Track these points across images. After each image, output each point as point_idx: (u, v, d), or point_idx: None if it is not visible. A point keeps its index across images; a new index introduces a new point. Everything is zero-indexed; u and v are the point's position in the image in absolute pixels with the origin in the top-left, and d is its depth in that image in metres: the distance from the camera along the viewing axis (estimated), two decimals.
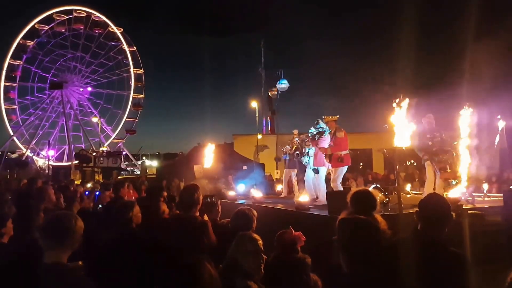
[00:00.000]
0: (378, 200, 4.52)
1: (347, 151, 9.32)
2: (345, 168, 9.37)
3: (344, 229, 2.74)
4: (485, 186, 9.48)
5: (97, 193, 7.89)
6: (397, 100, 6.20)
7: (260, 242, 3.62)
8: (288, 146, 12.56)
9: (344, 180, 15.65)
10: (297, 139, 11.55)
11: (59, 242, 2.86)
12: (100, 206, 7.63)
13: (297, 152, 11.41)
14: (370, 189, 6.44)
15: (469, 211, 6.97)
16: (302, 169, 11.55)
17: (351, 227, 2.74)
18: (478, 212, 7.02)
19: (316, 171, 9.86)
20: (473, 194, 8.37)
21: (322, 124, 9.86)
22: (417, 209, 3.30)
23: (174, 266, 3.40)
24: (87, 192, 7.65)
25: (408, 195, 9.46)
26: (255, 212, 4.58)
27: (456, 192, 7.75)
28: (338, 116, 9.65)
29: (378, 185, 8.41)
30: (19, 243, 4.01)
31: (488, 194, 9.40)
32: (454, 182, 8.56)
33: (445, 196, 7.18)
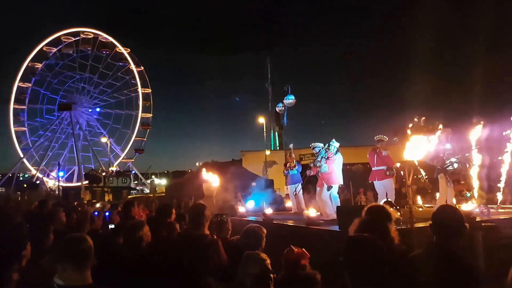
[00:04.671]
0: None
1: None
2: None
3: (347, 248, 2.68)
4: (499, 197, 9.30)
5: (107, 213, 7.86)
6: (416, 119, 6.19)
7: (268, 261, 3.53)
8: (289, 164, 12.68)
9: (355, 195, 15.62)
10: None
11: (81, 264, 2.88)
12: (111, 226, 7.60)
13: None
14: (381, 203, 6.40)
15: (483, 224, 6.84)
16: (311, 182, 11.53)
17: (351, 247, 2.69)
18: (492, 225, 6.86)
19: (331, 188, 9.85)
20: (488, 205, 8.22)
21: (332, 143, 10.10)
22: (431, 222, 3.25)
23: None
24: (96, 213, 7.62)
25: (420, 209, 9.34)
26: (264, 230, 4.51)
27: (469, 205, 7.64)
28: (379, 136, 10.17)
29: (389, 199, 8.32)
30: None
31: (502, 206, 9.23)
32: (468, 195, 8.44)
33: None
